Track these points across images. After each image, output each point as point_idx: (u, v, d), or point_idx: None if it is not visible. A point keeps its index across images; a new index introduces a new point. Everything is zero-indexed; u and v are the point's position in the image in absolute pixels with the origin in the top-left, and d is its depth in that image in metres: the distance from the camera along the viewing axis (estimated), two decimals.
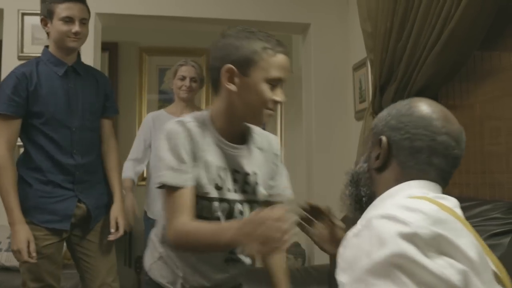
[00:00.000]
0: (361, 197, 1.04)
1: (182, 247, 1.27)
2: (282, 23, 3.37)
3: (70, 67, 2.03)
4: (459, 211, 0.91)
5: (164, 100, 4.27)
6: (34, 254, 1.85)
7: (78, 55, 2.10)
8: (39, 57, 2.04)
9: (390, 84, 2.33)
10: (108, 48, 4.14)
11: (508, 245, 1.57)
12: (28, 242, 1.84)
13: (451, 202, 0.91)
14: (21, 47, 3.01)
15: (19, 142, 1.99)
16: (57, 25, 1.96)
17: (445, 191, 0.94)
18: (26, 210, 1.89)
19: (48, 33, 2.02)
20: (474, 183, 2.01)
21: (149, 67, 4.44)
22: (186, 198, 1.23)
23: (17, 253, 1.84)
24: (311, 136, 3.37)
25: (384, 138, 1.00)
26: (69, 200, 1.97)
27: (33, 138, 1.94)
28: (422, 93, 2.11)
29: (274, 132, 4.60)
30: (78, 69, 2.06)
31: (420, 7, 2.08)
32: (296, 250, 3.41)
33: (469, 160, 2.05)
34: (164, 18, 3.26)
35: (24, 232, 1.84)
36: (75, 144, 1.99)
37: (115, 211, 2.03)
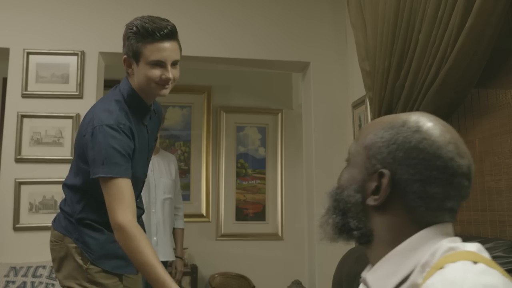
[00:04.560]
0: (349, 229, 0.89)
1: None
2: (283, 61, 3.44)
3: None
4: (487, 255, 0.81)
5: None
6: None
7: None
8: (120, 92, 1.77)
9: None
10: (110, 85, 4.18)
11: None
12: None
13: (478, 247, 0.81)
14: (26, 85, 3.06)
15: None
16: (145, 70, 1.67)
17: None
18: (98, 258, 1.71)
19: (128, 73, 1.75)
20: (475, 220, 2.00)
21: None
22: None
23: None
24: (311, 173, 3.37)
25: (387, 173, 0.82)
26: None
27: None
28: None
29: (274, 169, 4.62)
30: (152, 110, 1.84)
31: (417, 47, 2.12)
32: None
33: (470, 197, 2.03)
34: None
35: None
36: (140, 191, 1.90)
37: None
